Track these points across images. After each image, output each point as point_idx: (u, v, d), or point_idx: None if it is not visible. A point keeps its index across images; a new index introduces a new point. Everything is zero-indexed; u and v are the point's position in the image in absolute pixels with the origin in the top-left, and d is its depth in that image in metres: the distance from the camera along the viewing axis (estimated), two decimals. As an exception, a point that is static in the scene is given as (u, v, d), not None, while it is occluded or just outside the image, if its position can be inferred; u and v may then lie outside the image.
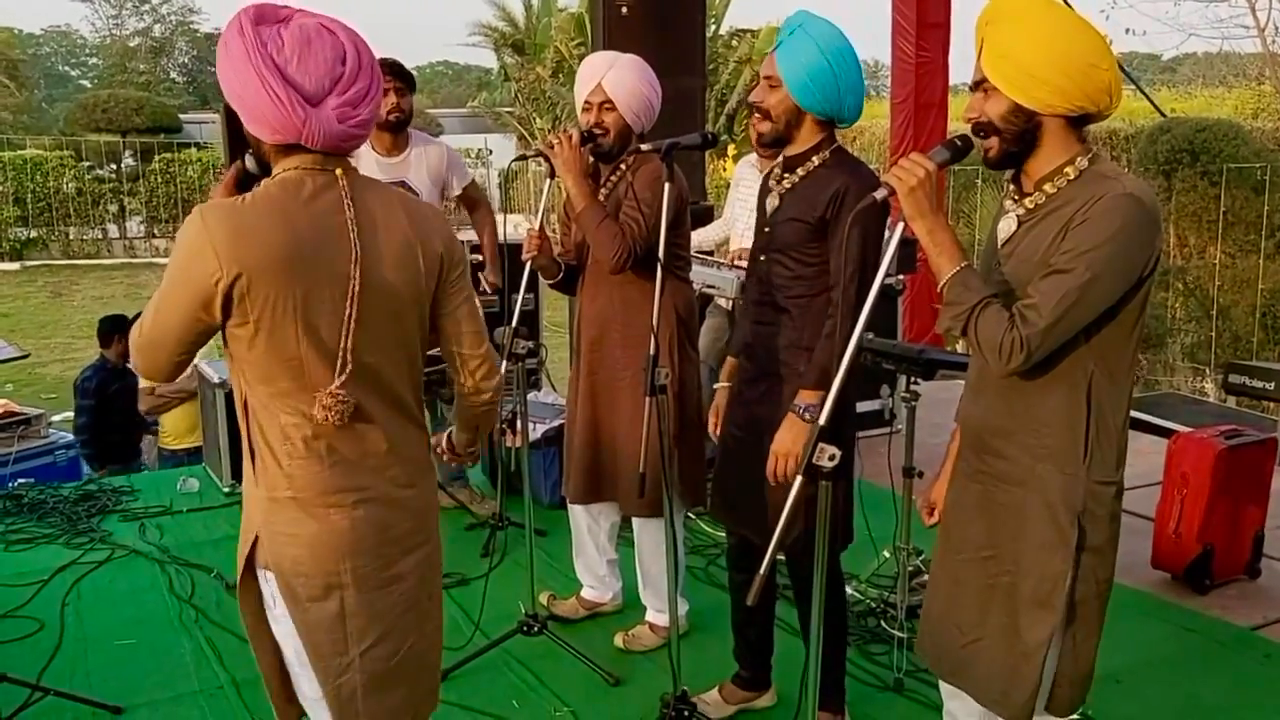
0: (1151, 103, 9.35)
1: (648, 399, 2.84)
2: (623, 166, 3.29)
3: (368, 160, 4.36)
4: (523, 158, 3.79)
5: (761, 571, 2.06)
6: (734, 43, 20.11)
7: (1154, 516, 4.13)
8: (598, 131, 3.26)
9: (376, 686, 2.00)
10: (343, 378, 1.88)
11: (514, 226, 21.14)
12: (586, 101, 3.30)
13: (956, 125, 13.23)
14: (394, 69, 4.27)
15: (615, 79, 3.26)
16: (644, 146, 3.01)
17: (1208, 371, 9.55)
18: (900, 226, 2.08)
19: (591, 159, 3.33)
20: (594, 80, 3.28)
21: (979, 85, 2.04)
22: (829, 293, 2.73)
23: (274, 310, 1.83)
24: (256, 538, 1.94)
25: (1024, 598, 2.07)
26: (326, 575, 1.93)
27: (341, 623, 1.95)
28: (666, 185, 2.88)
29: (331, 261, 1.87)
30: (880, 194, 2.07)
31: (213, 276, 1.79)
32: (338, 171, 1.92)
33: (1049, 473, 2.05)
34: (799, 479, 2.06)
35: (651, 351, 2.84)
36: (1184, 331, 10.28)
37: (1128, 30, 14.89)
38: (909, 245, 5.88)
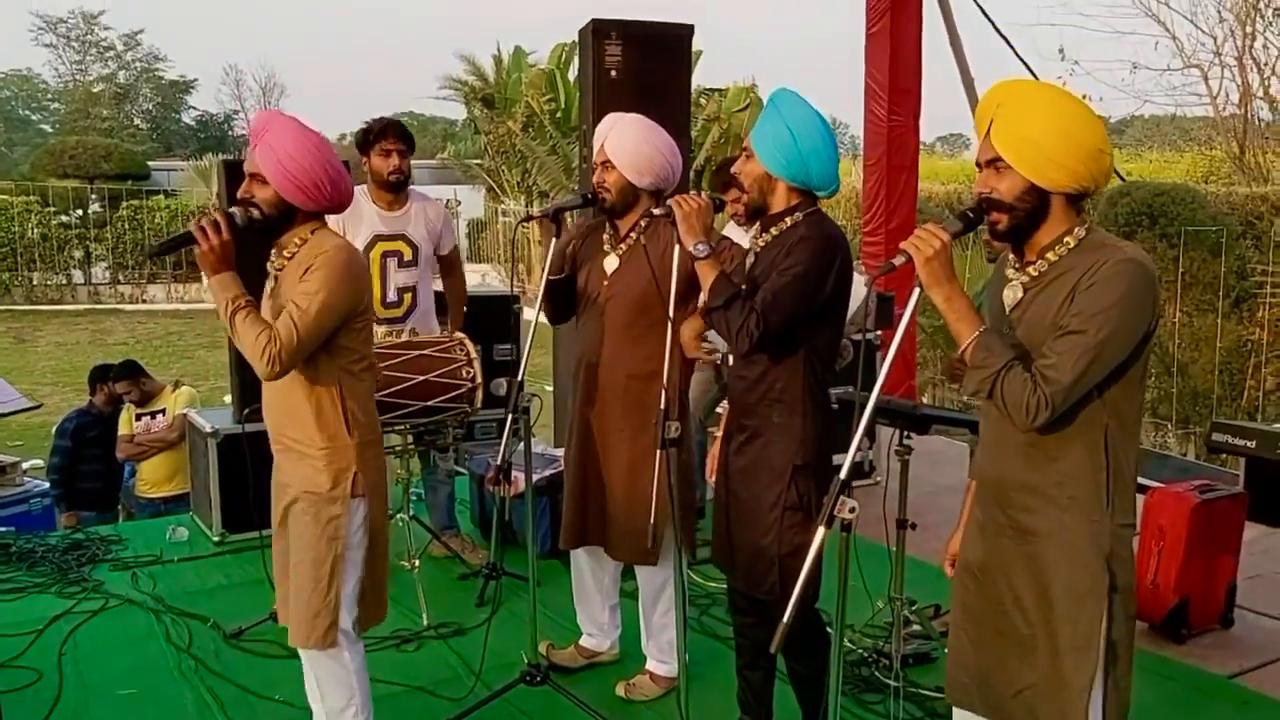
0: (1114, 170, 9.66)
1: (659, 452, 2.94)
2: (642, 224, 3.40)
3: (370, 214, 4.48)
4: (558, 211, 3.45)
5: (785, 619, 2.16)
6: (702, 101, 20.45)
7: (1132, 568, 4.27)
8: (601, 192, 3.39)
9: (385, 573, 3.06)
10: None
11: (481, 276, 21.24)
12: (593, 162, 3.45)
13: (926, 186, 13.55)
14: (399, 132, 4.42)
15: (614, 141, 3.40)
16: (655, 211, 3.13)
17: (1169, 426, 9.79)
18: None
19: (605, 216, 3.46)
20: (598, 142, 3.44)
21: (991, 163, 2.17)
22: (803, 347, 2.85)
23: (367, 310, 2.86)
24: (356, 473, 2.82)
25: (1065, 644, 2.17)
26: (387, 493, 3.07)
27: (385, 527, 3.00)
28: (677, 248, 3.00)
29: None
30: (898, 261, 2.20)
31: (364, 292, 2.83)
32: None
33: (1076, 522, 2.16)
34: (820, 530, 2.17)
35: (662, 405, 2.95)
36: (1145, 387, 10.53)
37: (1084, 96, 15.42)
38: (886, 301, 6.05)
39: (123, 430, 6.56)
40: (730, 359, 3.05)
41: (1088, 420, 2.14)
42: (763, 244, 2.94)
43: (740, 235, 4.75)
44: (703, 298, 2.89)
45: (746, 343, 2.79)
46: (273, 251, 2.85)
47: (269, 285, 2.88)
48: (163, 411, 6.53)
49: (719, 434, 3.17)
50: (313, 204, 2.75)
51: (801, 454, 2.88)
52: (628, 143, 3.39)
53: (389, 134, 4.45)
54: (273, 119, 2.75)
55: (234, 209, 2.72)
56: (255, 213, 2.73)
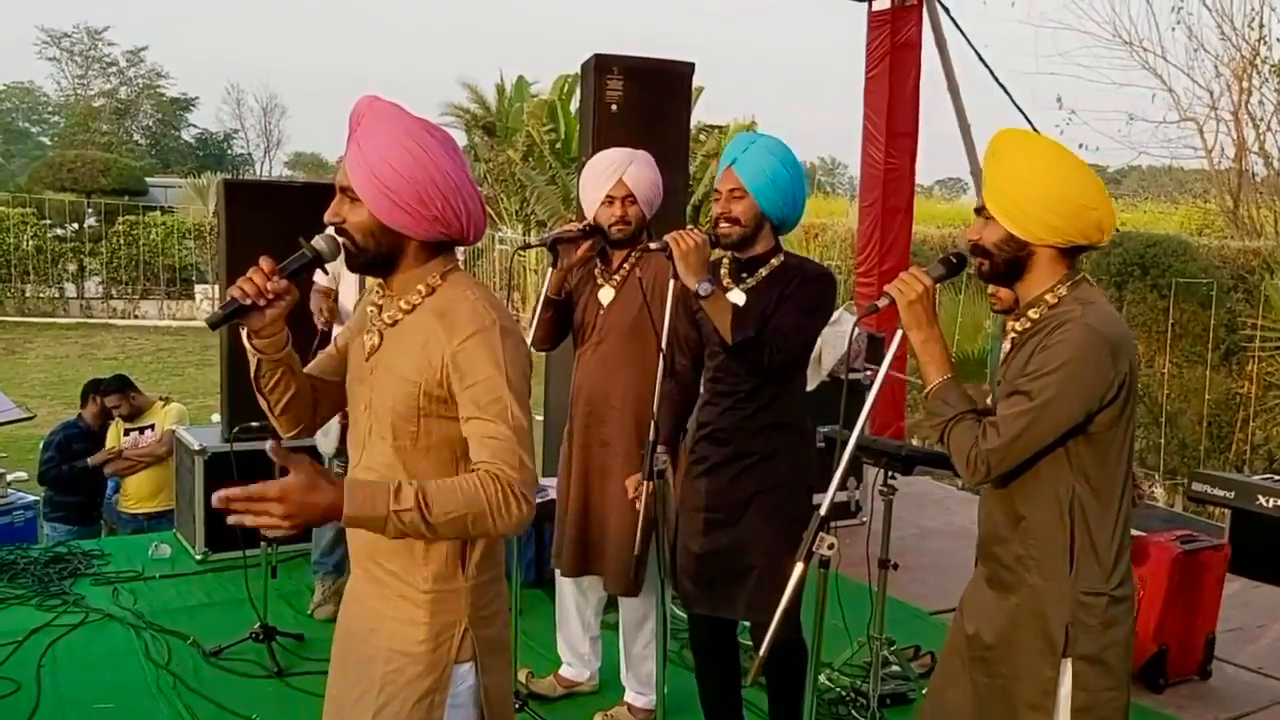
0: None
1: (647, 482, 2.95)
2: (632, 258, 3.44)
3: None
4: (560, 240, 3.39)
5: (761, 653, 2.16)
6: (702, 137, 20.59)
7: (1112, 616, 4.28)
8: (622, 226, 3.39)
9: None
10: None
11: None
12: (609, 195, 3.39)
13: (922, 230, 13.65)
14: None
15: (636, 174, 3.40)
16: (652, 245, 3.15)
17: (1157, 476, 9.82)
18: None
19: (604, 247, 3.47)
20: (615, 175, 3.39)
21: (980, 210, 2.22)
22: (800, 373, 3.02)
23: None
24: (466, 630, 1.97)
25: (1019, 699, 2.16)
26: (511, 651, 2.23)
27: (508, 702, 2.16)
28: (672, 281, 3.03)
29: None
30: (881, 303, 2.24)
31: None
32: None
33: (1038, 583, 2.15)
34: (799, 565, 2.19)
35: (651, 436, 2.97)
36: (1129, 454, 10.58)
37: (1081, 145, 15.62)
38: (876, 342, 6.10)
39: (110, 444, 6.56)
40: (712, 392, 3.09)
41: (1053, 482, 2.12)
42: (753, 284, 3.00)
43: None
44: (726, 334, 2.92)
45: (781, 359, 2.90)
46: (375, 295, 2.04)
47: (364, 342, 2.00)
48: (151, 427, 6.52)
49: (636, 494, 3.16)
50: (425, 229, 1.90)
51: (809, 472, 2.98)
52: (649, 178, 3.42)
53: None
54: (371, 105, 1.92)
55: (317, 238, 1.95)
56: (349, 244, 1.92)
